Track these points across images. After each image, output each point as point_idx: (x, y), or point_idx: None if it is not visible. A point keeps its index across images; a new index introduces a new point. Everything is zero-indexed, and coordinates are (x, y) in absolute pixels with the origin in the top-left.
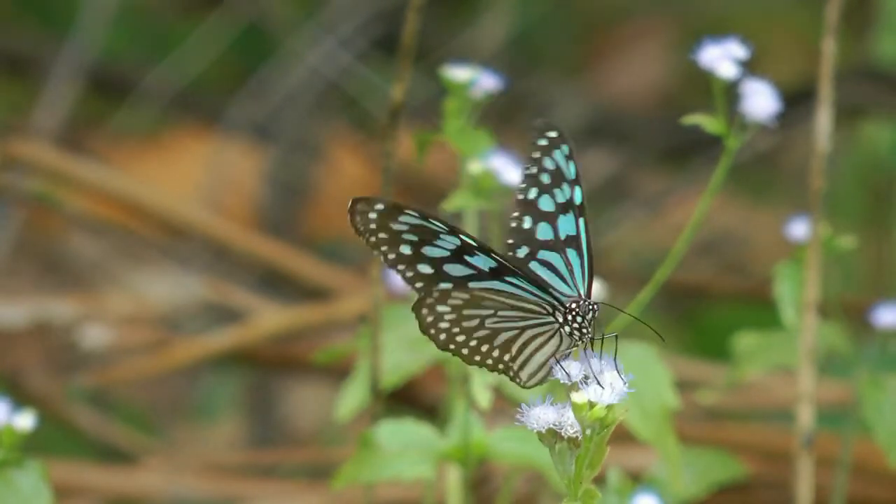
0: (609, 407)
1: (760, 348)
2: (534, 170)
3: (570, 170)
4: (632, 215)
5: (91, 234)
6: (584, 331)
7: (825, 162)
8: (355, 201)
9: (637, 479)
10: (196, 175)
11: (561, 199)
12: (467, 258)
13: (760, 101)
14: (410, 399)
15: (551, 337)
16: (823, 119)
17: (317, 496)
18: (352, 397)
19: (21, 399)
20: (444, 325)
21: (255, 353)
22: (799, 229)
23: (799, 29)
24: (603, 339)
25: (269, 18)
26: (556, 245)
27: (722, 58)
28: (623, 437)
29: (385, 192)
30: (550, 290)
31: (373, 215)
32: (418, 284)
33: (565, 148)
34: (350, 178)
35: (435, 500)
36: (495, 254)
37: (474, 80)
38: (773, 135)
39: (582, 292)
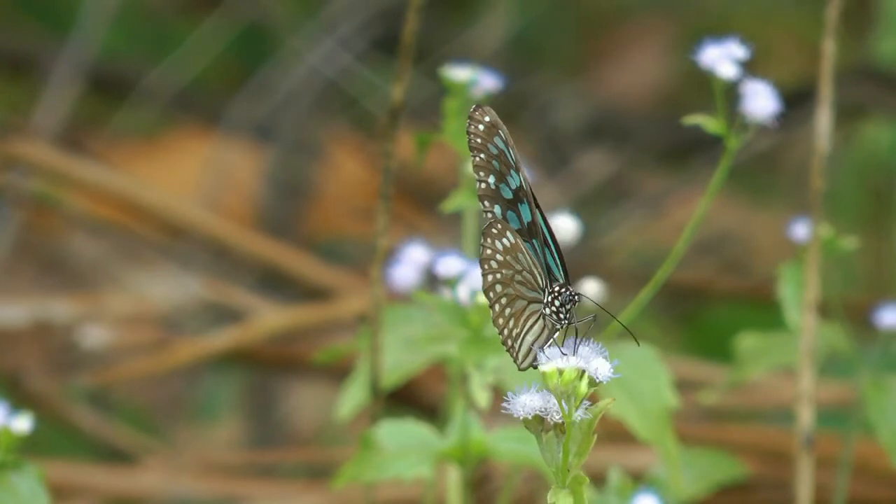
0: (580, 373)
1: (762, 349)
2: (482, 156)
3: (512, 155)
4: (632, 215)
5: (91, 234)
6: (560, 316)
7: (825, 162)
8: (475, 108)
9: (639, 480)
10: (196, 175)
11: (514, 185)
12: (519, 206)
13: (761, 101)
14: (410, 399)
15: (539, 319)
16: (823, 119)
17: (317, 496)
18: (352, 397)
19: (21, 399)
20: (493, 263)
21: (255, 353)
22: (801, 230)
23: (799, 29)
24: (585, 328)
25: (269, 18)
26: (524, 234)
27: (722, 58)
28: (624, 437)
29: (385, 192)
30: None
31: (482, 127)
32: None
33: (503, 133)
34: (350, 178)
35: (435, 499)
36: (538, 207)
37: (474, 79)
38: (773, 135)
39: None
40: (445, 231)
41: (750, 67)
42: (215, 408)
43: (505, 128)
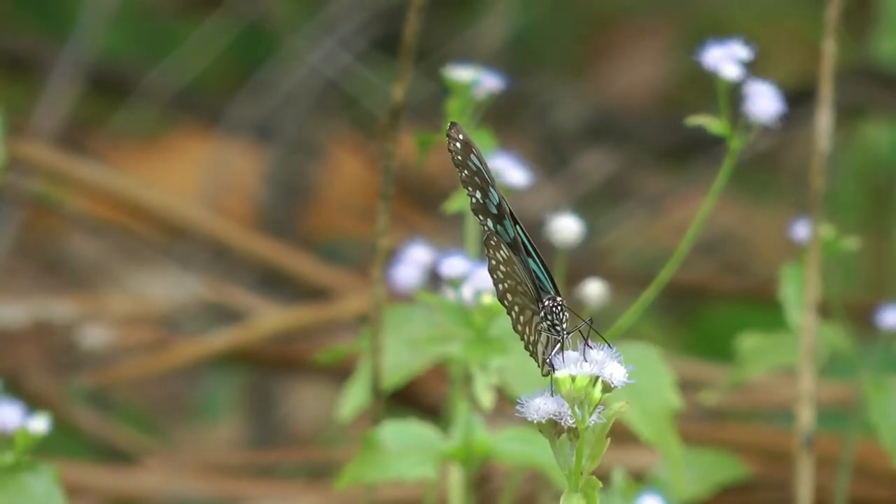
0: (592, 378)
1: (764, 349)
2: (465, 173)
3: (486, 173)
4: (632, 215)
5: (91, 234)
6: (558, 329)
7: (825, 162)
8: (451, 126)
9: (640, 480)
10: (196, 175)
11: (494, 201)
12: (504, 221)
13: (764, 102)
14: (412, 400)
15: (541, 330)
16: (823, 119)
17: (317, 496)
18: (353, 398)
19: (21, 399)
20: (500, 273)
21: (255, 353)
22: (802, 230)
23: (799, 29)
24: (587, 330)
25: (269, 18)
26: (513, 248)
27: (725, 59)
28: (626, 437)
29: (385, 192)
30: (539, 284)
31: (459, 144)
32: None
33: (475, 151)
34: (350, 178)
35: (436, 499)
36: (516, 221)
37: (477, 80)
38: (774, 135)
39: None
40: (446, 231)
41: (750, 67)
42: (215, 408)
43: (477, 146)
